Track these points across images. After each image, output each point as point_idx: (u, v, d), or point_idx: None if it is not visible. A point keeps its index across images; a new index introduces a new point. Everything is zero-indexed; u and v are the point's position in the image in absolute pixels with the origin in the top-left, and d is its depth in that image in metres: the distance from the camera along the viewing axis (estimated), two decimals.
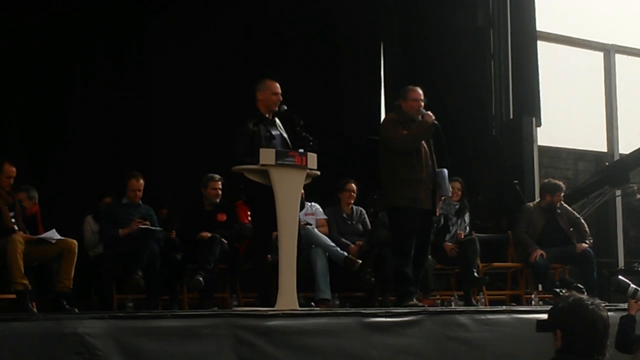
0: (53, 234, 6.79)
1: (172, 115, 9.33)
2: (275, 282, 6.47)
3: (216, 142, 8.28)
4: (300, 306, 6.60)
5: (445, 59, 10.98)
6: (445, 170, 7.42)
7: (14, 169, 7.01)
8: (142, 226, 7.64)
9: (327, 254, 7.93)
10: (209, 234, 7.83)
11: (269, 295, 6.53)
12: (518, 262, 9.20)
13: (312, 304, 7.47)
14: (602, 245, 11.50)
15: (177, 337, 5.51)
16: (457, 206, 8.94)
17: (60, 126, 8.92)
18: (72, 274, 6.68)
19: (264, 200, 6.52)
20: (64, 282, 6.65)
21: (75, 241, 6.81)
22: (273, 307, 6.28)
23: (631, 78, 12.95)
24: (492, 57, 11.35)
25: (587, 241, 8.93)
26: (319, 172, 6.68)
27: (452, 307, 8.04)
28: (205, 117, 9.25)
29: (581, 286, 8.34)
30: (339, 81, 10.42)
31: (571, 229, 9.09)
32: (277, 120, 7.04)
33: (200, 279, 7.44)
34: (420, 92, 7.43)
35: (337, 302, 7.92)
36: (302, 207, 6.99)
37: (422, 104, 7.37)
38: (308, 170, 6.59)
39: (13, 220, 6.90)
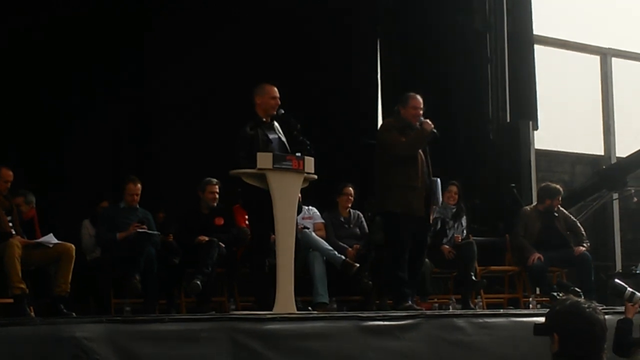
0: (50, 238, 6.79)
1: (169, 119, 9.34)
2: (272, 286, 6.47)
3: (214, 147, 8.31)
4: (297, 310, 6.60)
5: (442, 62, 11.01)
6: (439, 180, 7.45)
7: (11, 173, 7.01)
8: (140, 230, 7.64)
9: (324, 257, 7.93)
10: (206, 238, 7.82)
11: (267, 298, 6.53)
12: (515, 265, 9.21)
13: (309, 308, 7.46)
14: (599, 249, 11.51)
15: (174, 341, 5.51)
16: (454, 210, 8.96)
17: (58, 131, 8.91)
18: (70, 278, 6.68)
19: (261, 204, 6.53)
20: (62, 286, 6.64)
21: (72, 245, 6.80)
22: (271, 310, 6.29)
23: (628, 81, 12.96)
24: (489, 61, 11.36)
25: (585, 244, 8.94)
26: (316, 176, 6.69)
27: (450, 310, 8.04)
28: (202, 121, 9.26)
29: (578, 289, 8.35)
30: (336, 85, 10.42)
31: (568, 233, 9.10)
32: (276, 124, 7.05)
33: (198, 282, 7.43)
34: (421, 100, 7.45)
35: (335, 305, 7.92)
36: (299, 210, 6.99)
37: (421, 112, 7.39)
38: (305, 174, 6.60)
39: (10, 224, 6.89)
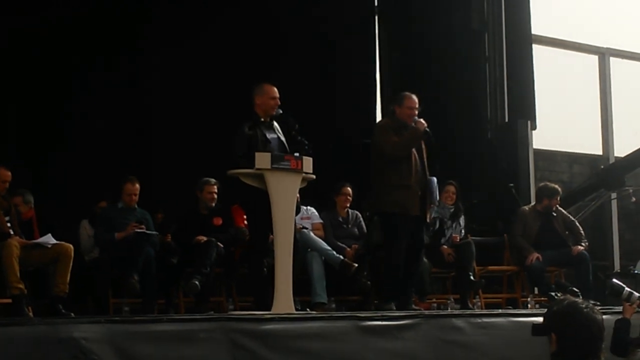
0: (49, 239, 6.79)
1: (168, 119, 9.33)
2: (271, 286, 6.47)
3: (212, 146, 8.31)
4: (296, 310, 6.60)
5: (440, 62, 11.01)
6: (435, 179, 7.45)
7: (9, 173, 7.01)
8: (138, 230, 7.64)
9: (323, 257, 7.93)
10: (204, 238, 7.83)
11: (265, 299, 6.53)
12: (514, 265, 9.22)
13: (307, 309, 7.47)
14: (597, 248, 11.50)
15: (173, 341, 5.51)
16: (452, 210, 8.96)
17: (57, 130, 8.91)
18: (68, 278, 6.68)
19: (259, 204, 6.53)
20: (60, 286, 6.64)
21: (71, 245, 6.81)
22: (269, 310, 6.29)
23: (626, 81, 12.97)
24: (487, 61, 11.37)
25: (583, 244, 8.94)
26: (314, 176, 6.69)
27: (449, 310, 8.04)
28: (201, 121, 9.26)
29: (576, 289, 8.35)
30: (335, 84, 10.42)
31: (566, 232, 9.10)
32: (275, 124, 7.05)
33: (196, 282, 7.43)
34: (416, 99, 7.44)
35: (333, 305, 7.92)
36: (297, 211, 6.99)
37: (416, 112, 7.39)
38: (304, 174, 6.60)
39: (9, 224, 6.89)
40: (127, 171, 8.14)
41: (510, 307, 8.85)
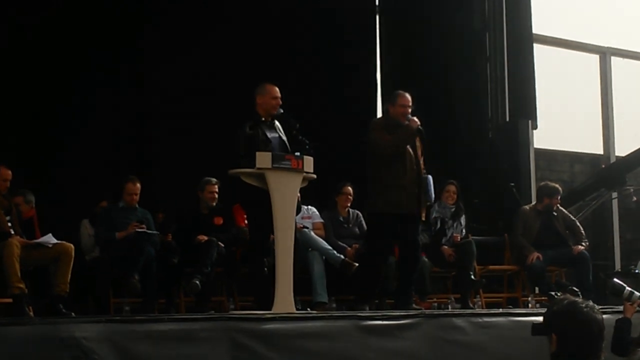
0: (50, 238, 6.79)
1: (169, 118, 9.33)
2: (272, 286, 6.47)
3: (213, 146, 8.30)
4: (297, 309, 6.60)
5: (441, 61, 11.00)
6: (430, 177, 7.44)
7: (10, 172, 7.02)
8: (139, 230, 7.64)
9: (323, 257, 7.94)
10: (205, 238, 7.83)
11: (266, 298, 6.53)
12: (514, 264, 9.22)
13: (308, 309, 7.47)
14: (598, 248, 11.50)
15: (174, 341, 5.51)
16: (453, 209, 8.95)
17: (57, 130, 8.90)
18: (69, 278, 6.68)
19: (260, 203, 6.53)
20: (61, 286, 6.64)
21: (71, 245, 6.80)
22: (270, 310, 6.29)
23: (627, 80, 12.96)
24: (488, 60, 11.36)
25: (583, 244, 8.94)
26: (315, 176, 6.69)
27: (449, 310, 8.05)
28: (202, 120, 9.25)
29: (577, 289, 8.34)
30: (335, 84, 10.42)
31: (567, 232, 9.10)
32: (277, 123, 7.06)
33: (197, 282, 7.44)
34: (409, 97, 7.44)
35: (334, 305, 7.92)
36: (298, 210, 7.00)
37: (410, 110, 7.38)
38: (304, 174, 6.60)
39: (9, 224, 6.89)
40: (128, 171, 8.15)
41: (510, 306, 8.85)
